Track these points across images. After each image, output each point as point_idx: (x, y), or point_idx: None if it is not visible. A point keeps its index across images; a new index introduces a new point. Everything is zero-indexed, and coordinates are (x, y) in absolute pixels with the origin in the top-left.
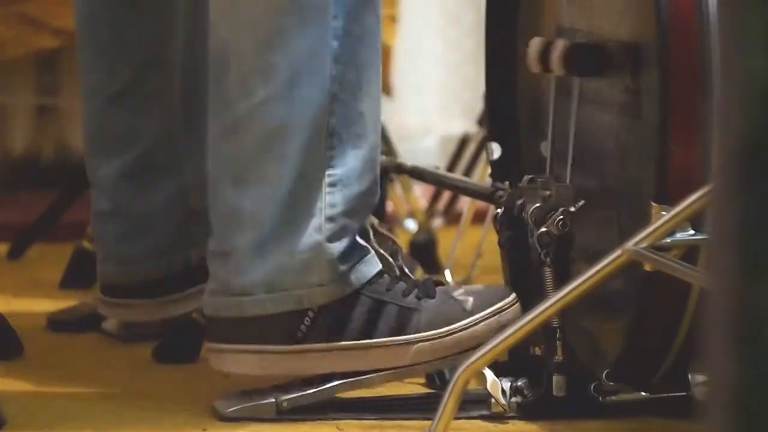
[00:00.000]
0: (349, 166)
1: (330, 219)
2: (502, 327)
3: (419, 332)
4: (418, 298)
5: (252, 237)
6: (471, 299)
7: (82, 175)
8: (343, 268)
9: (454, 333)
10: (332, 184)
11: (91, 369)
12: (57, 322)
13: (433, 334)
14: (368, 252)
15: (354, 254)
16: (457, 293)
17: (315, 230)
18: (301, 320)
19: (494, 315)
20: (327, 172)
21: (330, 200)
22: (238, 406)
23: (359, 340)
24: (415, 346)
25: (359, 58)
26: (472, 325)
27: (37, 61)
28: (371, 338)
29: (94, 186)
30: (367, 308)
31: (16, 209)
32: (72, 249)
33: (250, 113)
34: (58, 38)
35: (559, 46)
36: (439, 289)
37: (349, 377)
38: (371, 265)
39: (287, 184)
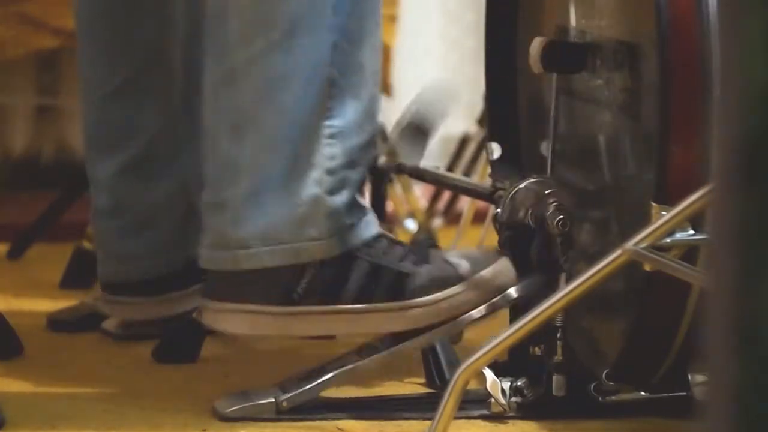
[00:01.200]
0: (348, 117)
1: (329, 171)
2: (496, 290)
3: (415, 297)
4: (414, 263)
5: (249, 187)
6: (465, 262)
7: (82, 175)
8: (342, 222)
9: (449, 298)
10: (332, 136)
11: (91, 369)
12: (57, 322)
13: (429, 300)
14: (367, 212)
15: (353, 211)
16: (452, 257)
17: (314, 183)
18: (297, 280)
19: (488, 278)
20: (326, 123)
21: (329, 152)
22: (238, 406)
23: (355, 303)
24: (411, 310)
25: (359, 8)
26: (465, 289)
27: (37, 61)
28: (367, 302)
29: (94, 183)
30: (365, 271)
31: (16, 209)
32: (72, 249)
33: (249, 63)
34: (58, 38)
35: (537, 44)
36: (434, 252)
37: (350, 362)
38: (370, 226)
39: (286, 134)
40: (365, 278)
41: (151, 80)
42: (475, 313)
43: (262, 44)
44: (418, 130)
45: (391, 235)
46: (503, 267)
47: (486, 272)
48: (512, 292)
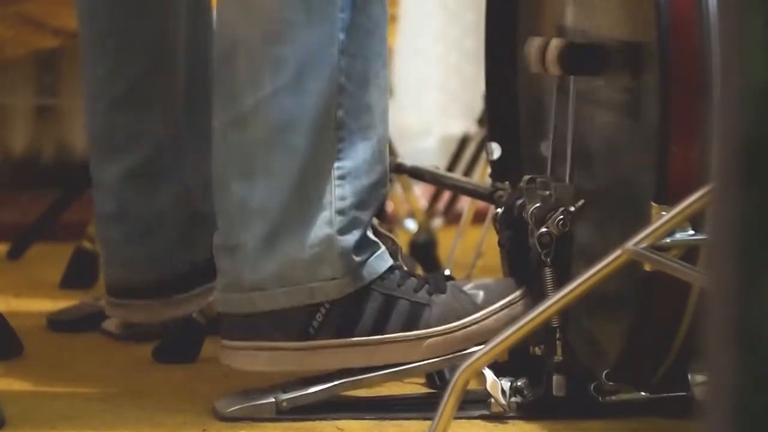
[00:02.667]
0: (358, 158)
1: (340, 212)
2: (512, 320)
3: (430, 327)
4: (429, 294)
5: (261, 231)
6: (481, 293)
7: (82, 175)
8: (355, 260)
9: (464, 327)
10: (341, 177)
11: (91, 369)
12: (57, 322)
13: (444, 329)
14: (379, 247)
15: (365, 248)
16: (468, 287)
17: (325, 223)
18: (312, 316)
19: (504, 308)
20: (336, 165)
21: (339, 193)
22: (238, 406)
23: (371, 335)
24: (427, 341)
25: (366, 49)
26: (482, 320)
27: (37, 61)
28: (383, 334)
29: (99, 188)
30: (379, 304)
31: (16, 209)
32: (72, 249)
33: (258, 106)
34: (58, 38)
35: (555, 45)
36: (449, 283)
37: (359, 374)
38: (383, 260)
39: (296, 177)
40: (380, 310)
41: (154, 87)
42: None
43: (270, 88)
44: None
45: (405, 268)
46: (518, 297)
47: (502, 303)
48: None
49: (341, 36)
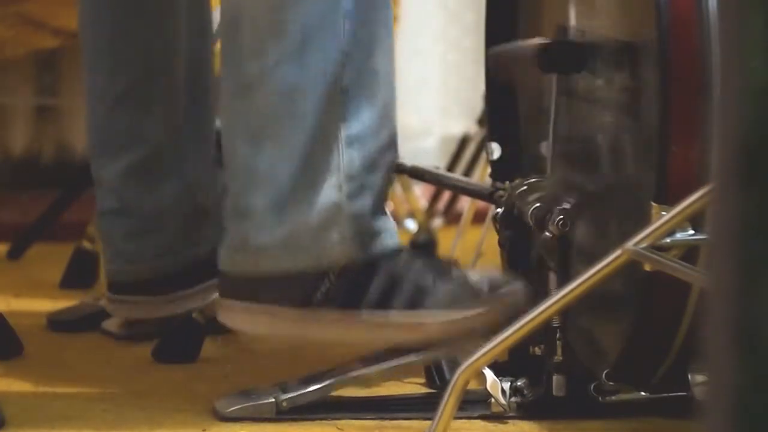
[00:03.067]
0: (364, 122)
1: (348, 176)
2: (513, 312)
3: (432, 312)
4: (434, 278)
5: (269, 196)
6: (486, 282)
7: (82, 175)
8: (364, 226)
9: (467, 316)
10: (349, 140)
11: (91, 369)
12: (57, 322)
13: (447, 315)
14: (390, 224)
15: (377, 217)
16: (473, 276)
17: (334, 188)
18: (317, 285)
19: (508, 300)
20: (342, 130)
21: (347, 157)
22: (238, 406)
23: (374, 312)
24: (427, 326)
25: (371, 15)
26: (483, 309)
27: (37, 61)
28: (386, 311)
29: (100, 185)
30: (384, 282)
31: (16, 209)
32: (72, 249)
33: (263, 73)
34: (58, 38)
35: (533, 44)
36: (453, 271)
37: (357, 369)
38: (393, 237)
39: (303, 143)
40: (384, 289)
41: (155, 85)
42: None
43: (275, 56)
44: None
45: (411, 250)
46: (519, 290)
47: (503, 293)
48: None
49: (345, 2)
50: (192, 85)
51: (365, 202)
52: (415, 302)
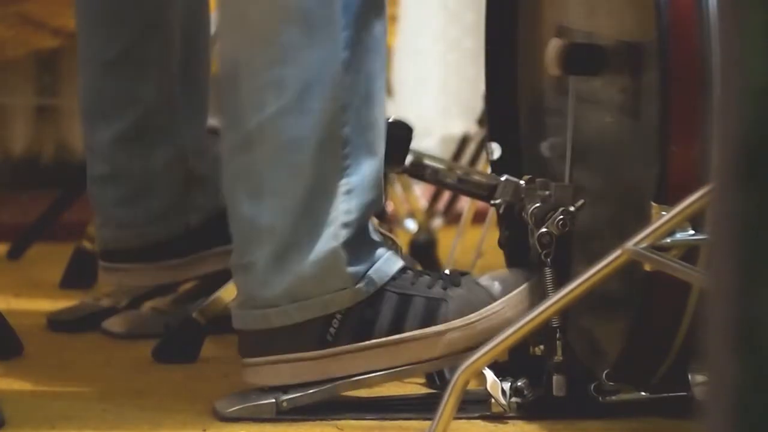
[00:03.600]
0: (363, 173)
1: (345, 225)
2: (529, 308)
3: (449, 321)
4: (444, 288)
5: (271, 249)
6: (496, 284)
7: (82, 175)
8: (360, 269)
9: (483, 318)
10: (347, 192)
11: (91, 369)
12: (57, 322)
13: (464, 322)
14: (386, 251)
15: (371, 253)
16: (482, 280)
17: (331, 237)
18: (329, 324)
19: (521, 297)
20: (342, 181)
21: (345, 207)
22: (238, 406)
23: (389, 335)
24: (447, 335)
25: (368, 66)
26: (500, 309)
27: (37, 61)
28: (401, 332)
29: (91, 151)
30: (394, 303)
31: (16, 209)
32: (72, 249)
33: (262, 127)
34: (58, 38)
35: (554, 45)
36: (463, 277)
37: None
38: (393, 262)
39: (302, 195)
40: (396, 310)
41: (149, 50)
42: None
43: (274, 109)
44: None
45: (417, 268)
46: (534, 286)
47: (518, 291)
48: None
49: (345, 54)
50: (187, 52)
51: (359, 245)
52: (429, 316)
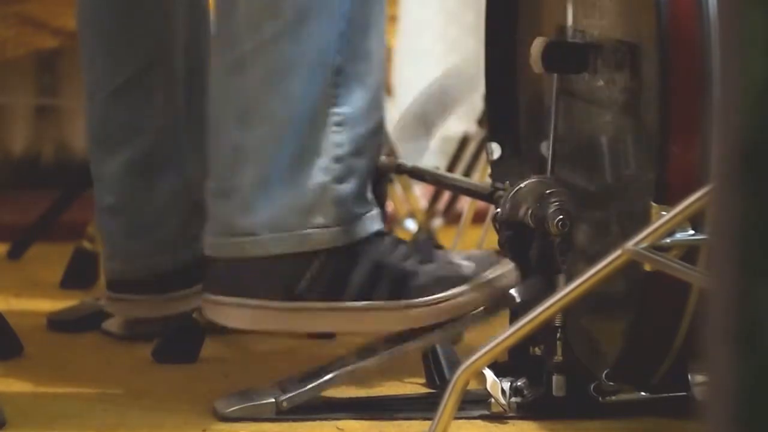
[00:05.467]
0: (355, 104)
1: (336, 159)
2: (499, 293)
3: (417, 296)
4: (418, 262)
5: (256, 175)
6: (469, 263)
7: (82, 175)
8: (349, 211)
9: (453, 298)
10: (338, 123)
11: (91, 369)
12: (57, 322)
13: (432, 299)
14: (373, 207)
15: (360, 202)
16: (456, 257)
17: (321, 170)
18: (301, 274)
19: (492, 281)
20: (333, 111)
21: (336, 140)
22: (238, 406)
23: (357, 301)
24: (414, 310)
25: None
26: (470, 291)
27: (37, 61)
28: (369, 300)
29: (98, 181)
30: (368, 269)
31: (16, 209)
32: (72, 249)
33: (257, 50)
34: (58, 38)
35: (537, 44)
36: (438, 252)
37: (353, 363)
38: (375, 222)
39: (293, 122)
40: (368, 276)
41: (154, 78)
42: (476, 313)
43: (270, 32)
44: (420, 127)
45: (394, 234)
46: (507, 269)
47: (489, 273)
48: (515, 294)
49: None
50: (191, 80)
51: (350, 186)
52: (399, 288)
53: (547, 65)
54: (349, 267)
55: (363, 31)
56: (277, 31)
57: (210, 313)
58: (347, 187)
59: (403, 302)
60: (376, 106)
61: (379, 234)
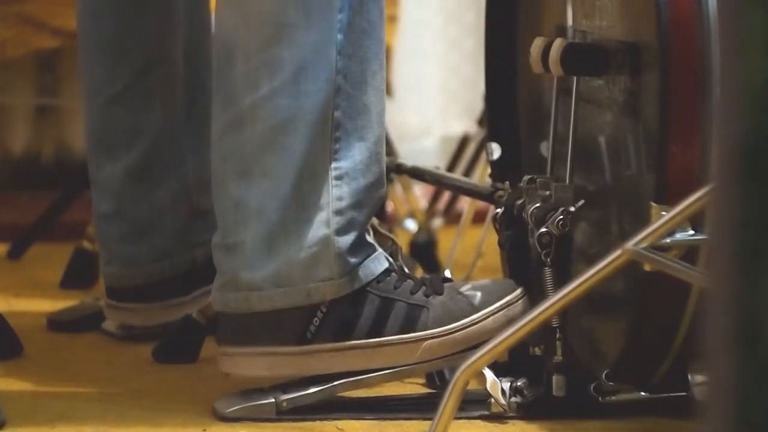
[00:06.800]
0: (355, 158)
1: (337, 212)
2: (510, 321)
3: (428, 329)
4: (426, 296)
5: (258, 231)
6: (478, 294)
7: (82, 175)
8: (351, 261)
9: (462, 329)
10: (338, 177)
11: (91, 369)
12: (57, 322)
13: (442, 331)
14: (375, 249)
15: (362, 249)
16: (465, 289)
17: (323, 224)
18: (309, 320)
19: (502, 309)
20: (333, 165)
21: (337, 193)
22: (238, 406)
23: (368, 338)
24: (425, 343)
25: (364, 51)
26: (480, 321)
27: (37, 61)
28: (380, 336)
29: (96, 186)
30: (376, 306)
31: (16, 209)
32: (72, 249)
33: (255, 107)
34: (58, 38)
35: (557, 46)
36: (446, 285)
37: (359, 374)
38: (379, 263)
39: (293, 177)
40: (377, 313)
41: (153, 83)
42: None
43: (268, 90)
44: None
45: (402, 270)
46: (517, 297)
47: (500, 303)
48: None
49: (339, 37)
50: (190, 84)
51: (352, 237)
52: (409, 322)
53: (567, 67)
54: (357, 307)
55: (360, 87)
56: (275, 88)
57: (225, 365)
58: (349, 238)
59: (414, 336)
60: (375, 160)
61: (384, 272)
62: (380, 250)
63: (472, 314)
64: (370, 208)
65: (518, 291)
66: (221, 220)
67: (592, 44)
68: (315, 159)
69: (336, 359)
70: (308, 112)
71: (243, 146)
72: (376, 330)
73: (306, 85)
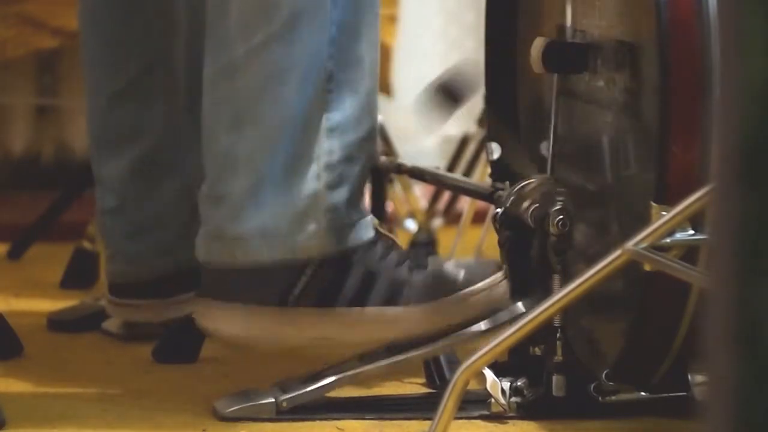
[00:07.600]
0: (346, 111)
1: (328, 166)
2: (491, 302)
3: (410, 304)
4: (410, 270)
5: (247, 182)
6: (462, 272)
7: (82, 175)
8: (340, 220)
9: (443, 307)
10: (330, 129)
11: (91, 369)
12: (57, 322)
13: (423, 308)
14: (366, 215)
15: (352, 210)
16: (449, 266)
17: (313, 177)
18: (294, 282)
19: (485, 290)
20: (325, 117)
21: (327, 147)
22: (238, 406)
23: (351, 308)
24: (405, 318)
25: (358, 1)
26: (461, 300)
27: (37, 61)
28: (363, 307)
29: (100, 183)
30: (360, 277)
31: (16, 209)
32: (72, 249)
33: (249, 55)
34: (58, 38)
35: (538, 44)
36: (430, 260)
37: (355, 367)
38: (368, 229)
39: (284, 128)
40: (360, 284)
41: (155, 81)
42: (481, 326)
43: (262, 37)
44: (449, 94)
45: (389, 238)
46: (498, 280)
47: (482, 284)
48: (520, 306)
49: None
50: (192, 82)
51: (342, 193)
52: (391, 297)
53: (547, 65)
54: (342, 275)
55: (354, 38)
56: (269, 35)
57: (201, 318)
58: (339, 194)
59: (395, 310)
60: (368, 113)
61: (371, 241)
62: (370, 216)
63: (455, 292)
64: (363, 163)
65: (499, 273)
66: (209, 170)
67: (572, 43)
68: (307, 110)
69: (315, 326)
70: (301, 61)
71: (235, 95)
72: (359, 300)
73: (300, 34)
